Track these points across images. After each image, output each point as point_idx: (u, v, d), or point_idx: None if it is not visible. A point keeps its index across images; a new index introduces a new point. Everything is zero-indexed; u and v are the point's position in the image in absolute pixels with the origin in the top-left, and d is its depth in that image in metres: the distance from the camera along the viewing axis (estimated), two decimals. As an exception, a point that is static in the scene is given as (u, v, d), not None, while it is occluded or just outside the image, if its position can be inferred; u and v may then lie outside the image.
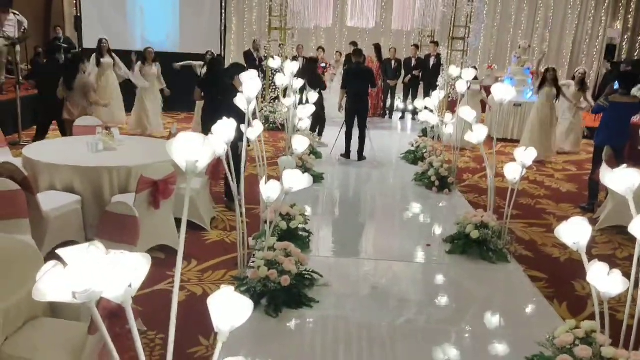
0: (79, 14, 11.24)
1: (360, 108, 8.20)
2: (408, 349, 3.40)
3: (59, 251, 1.37)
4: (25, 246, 3.06)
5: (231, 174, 3.98)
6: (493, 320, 3.88)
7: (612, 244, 5.28)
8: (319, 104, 8.62)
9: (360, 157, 8.37)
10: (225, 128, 3.71)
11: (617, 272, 2.60)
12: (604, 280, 2.64)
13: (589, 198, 6.40)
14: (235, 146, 4.01)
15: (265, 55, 10.84)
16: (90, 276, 1.36)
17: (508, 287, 4.42)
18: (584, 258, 2.81)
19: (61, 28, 11.47)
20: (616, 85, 7.35)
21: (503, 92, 4.84)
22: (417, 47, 12.53)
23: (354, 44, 12.28)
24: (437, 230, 5.70)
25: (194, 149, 2.10)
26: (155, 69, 8.91)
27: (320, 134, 9.13)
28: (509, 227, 5.12)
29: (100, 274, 1.38)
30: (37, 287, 1.33)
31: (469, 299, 4.17)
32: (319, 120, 8.99)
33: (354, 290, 4.19)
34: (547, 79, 8.71)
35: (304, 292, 3.92)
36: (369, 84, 8.23)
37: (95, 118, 6.47)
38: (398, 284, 4.39)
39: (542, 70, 9.30)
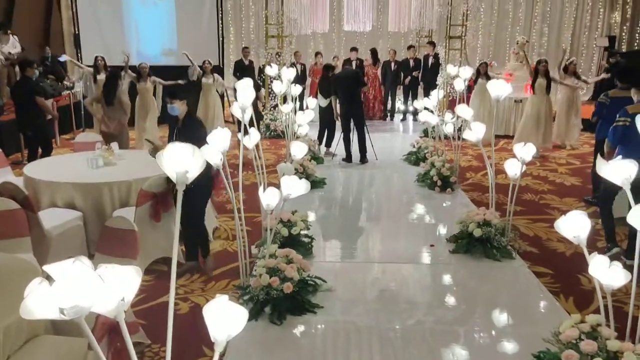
0: (77, 32, 11.35)
1: (354, 110, 8.19)
2: (418, 351, 3.39)
3: (45, 267, 1.37)
4: (25, 264, 3.08)
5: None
6: (500, 318, 3.86)
7: (617, 237, 5.22)
8: (329, 111, 8.59)
9: (363, 159, 8.36)
10: (220, 137, 3.73)
11: (617, 265, 2.57)
12: (605, 272, 2.61)
13: (593, 191, 6.35)
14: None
15: (263, 64, 10.88)
16: (77, 291, 1.36)
17: (513, 284, 4.39)
18: (585, 251, 2.78)
19: (48, 46, 11.53)
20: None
21: (499, 88, 4.82)
22: (413, 47, 12.55)
23: (355, 49, 12.37)
24: (442, 230, 5.67)
25: (184, 160, 2.10)
26: (149, 84, 8.92)
27: (328, 144, 8.95)
28: (512, 224, 5.09)
29: (88, 288, 1.37)
30: (25, 305, 1.33)
31: (475, 297, 4.15)
32: (328, 128, 8.86)
33: (360, 294, 4.17)
34: (540, 71, 8.71)
35: (307, 298, 3.92)
36: (358, 85, 8.25)
37: (95, 134, 6.54)
38: (404, 286, 4.37)
39: (534, 64, 9.30)
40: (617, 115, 4.61)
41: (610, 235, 4.86)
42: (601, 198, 5.05)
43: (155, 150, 4.30)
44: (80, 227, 4.42)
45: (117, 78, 6.74)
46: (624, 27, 15.46)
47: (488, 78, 9.69)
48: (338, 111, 8.39)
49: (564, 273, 4.48)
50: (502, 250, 4.74)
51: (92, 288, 1.39)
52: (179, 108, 4.13)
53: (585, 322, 2.91)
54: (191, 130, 4.04)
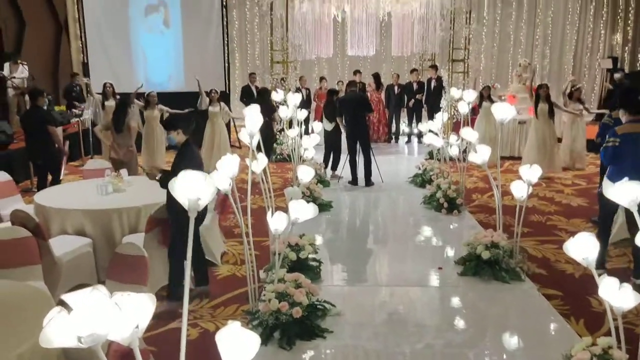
0: (86, 61, 11.54)
1: (359, 133, 8.26)
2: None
3: (63, 296, 1.40)
4: (37, 292, 3.11)
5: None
6: (511, 341, 3.84)
7: (626, 257, 5.22)
8: (335, 135, 8.68)
9: (368, 182, 8.39)
10: (229, 163, 3.78)
11: (627, 286, 2.57)
12: (615, 294, 2.61)
13: (600, 211, 6.33)
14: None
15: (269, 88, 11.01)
16: (94, 320, 1.38)
17: (523, 306, 4.36)
18: (594, 273, 2.79)
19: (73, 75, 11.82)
20: None
21: (503, 111, 4.87)
22: (416, 71, 12.69)
23: (358, 72, 12.53)
24: (449, 252, 5.66)
25: (196, 187, 2.15)
26: (157, 112, 9.05)
27: (334, 167, 9.01)
28: (521, 246, 5.09)
29: (104, 317, 1.40)
30: (44, 334, 1.36)
31: (485, 320, 4.14)
32: (334, 151, 8.93)
33: (369, 318, 4.17)
34: (541, 96, 8.73)
35: (316, 322, 3.91)
36: (364, 109, 8.33)
37: (104, 161, 6.62)
38: (412, 309, 4.36)
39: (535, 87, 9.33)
40: (607, 136, 4.66)
41: (601, 259, 4.77)
42: (601, 217, 5.05)
43: (150, 175, 4.41)
44: (90, 254, 4.45)
45: (126, 105, 6.86)
46: (626, 48, 15.60)
47: (492, 101, 9.77)
48: (344, 131, 8.47)
49: (573, 295, 4.45)
50: (511, 273, 4.73)
51: (109, 316, 1.42)
52: (175, 138, 4.21)
53: (596, 344, 2.90)
54: (183, 159, 4.10)
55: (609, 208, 4.70)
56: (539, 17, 15.62)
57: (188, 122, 4.30)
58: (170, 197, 3.93)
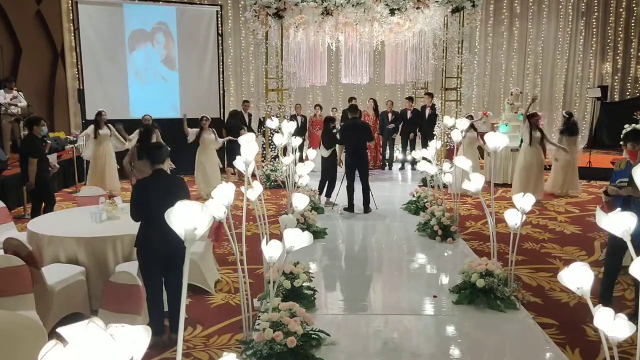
0: (81, 87, 11.57)
1: (360, 162, 8.32)
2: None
3: (59, 329, 1.39)
4: (29, 322, 3.06)
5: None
6: (506, 371, 3.81)
7: (620, 285, 5.22)
8: (331, 162, 8.72)
9: (366, 209, 8.41)
10: (225, 191, 3.78)
11: (622, 316, 2.57)
12: (610, 324, 2.60)
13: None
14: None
15: (264, 117, 11.10)
16: (90, 353, 1.37)
17: (519, 335, 4.35)
18: (589, 303, 2.78)
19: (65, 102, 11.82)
20: None
21: (496, 140, 4.93)
22: (411, 99, 12.79)
23: (353, 99, 12.60)
24: (444, 280, 5.65)
25: (192, 216, 2.15)
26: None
27: (328, 194, 9.03)
28: (515, 274, 5.09)
29: (100, 350, 1.39)
30: (39, 367, 1.34)
31: (481, 350, 4.11)
32: (329, 179, 8.96)
33: (364, 347, 4.14)
34: (532, 124, 8.79)
35: (311, 352, 3.87)
36: (366, 138, 8.39)
37: (98, 188, 6.60)
38: (407, 338, 4.33)
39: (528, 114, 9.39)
40: None
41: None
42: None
43: None
44: (82, 282, 4.40)
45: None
46: (615, 78, 15.87)
47: (476, 131, 9.89)
48: (342, 158, 8.52)
49: (569, 324, 4.45)
50: (506, 301, 4.72)
51: (104, 349, 1.41)
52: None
53: (592, 374, 2.88)
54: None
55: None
56: (529, 47, 15.91)
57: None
58: (138, 239, 3.95)
